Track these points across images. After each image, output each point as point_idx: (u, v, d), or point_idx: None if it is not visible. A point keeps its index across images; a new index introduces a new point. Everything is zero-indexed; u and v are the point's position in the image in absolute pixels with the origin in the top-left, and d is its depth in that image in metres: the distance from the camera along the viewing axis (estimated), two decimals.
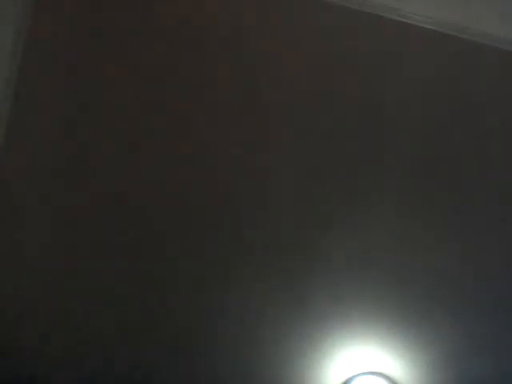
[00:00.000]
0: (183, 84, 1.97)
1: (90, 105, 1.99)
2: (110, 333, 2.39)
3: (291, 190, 2.14)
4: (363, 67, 1.95)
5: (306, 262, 2.27)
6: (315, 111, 2.02)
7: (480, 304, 2.36)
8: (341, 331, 2.40)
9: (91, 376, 2.47)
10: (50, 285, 2.28)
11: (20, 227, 2.17)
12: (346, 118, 2.03)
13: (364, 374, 2.50)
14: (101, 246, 2.22)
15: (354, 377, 2.50)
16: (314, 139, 2.06)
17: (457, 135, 2.06)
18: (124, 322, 2.38)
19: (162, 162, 2.09)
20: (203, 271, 2.28)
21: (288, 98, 2.00)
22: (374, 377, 2.50)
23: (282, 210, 2.17)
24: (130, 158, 2.07)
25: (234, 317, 2.38)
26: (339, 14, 1.87)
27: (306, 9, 1.87)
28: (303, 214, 2.18)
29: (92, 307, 2.34)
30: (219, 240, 2.23)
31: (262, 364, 2.47)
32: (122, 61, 1.93)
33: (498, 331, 2.42)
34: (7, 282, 2.26)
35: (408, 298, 2.34)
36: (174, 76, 1.96)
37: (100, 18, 1.88)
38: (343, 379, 2.51)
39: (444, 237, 2.24)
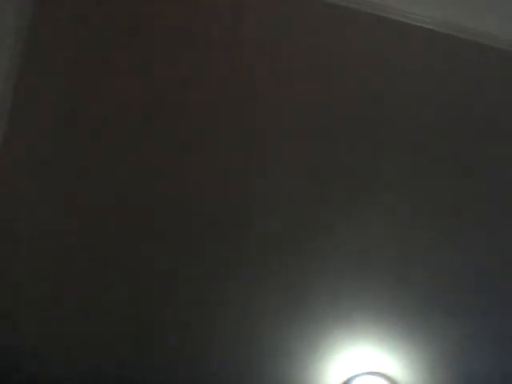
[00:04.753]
0: (183, 84, 1.97)
1: (89, 104, 1.99)
2: (110, 333, 2.40)
3: (291, 190, 2.14)
4: (363, 67, 1.95)
5: (306, 262, 2.27)
6: (315, 111, 2.02)
7: (480, 304, 2.36)
8: (341, 331, 2.40)
9: (91, 376, 2.47)
10: (50, 285, 2.28)
11: (20, 226, 2.17)
12: (346, 118, 2.03)
13: (364, 374, 2.50)
14: (101, 245, 2.22)
15: (353, 377, 2.50)
16: (314, 139, 2.06)
17: (457, 135, 2.06)
18: (124, 321, 2.38)
19: (162, 162, 2.09)
20: (203, 271, 2.28)
21: (288, 98, 2.00)
22: (373, 377, 2.50)
23: (281, 209, 2.17)
24: (130, 157, 2.07)
25: (234, 317, 2.38)
26: (339, 14, 1.87)
27: (306, 9, 1.87)
28: (303, 214, 2.18)
29: (92, 307, 2.34)
30: (219, 240, 2.23)
31: (261, 364, 2.47)
32: (122, 61, 1.94)
33: (497, 331, 2.42)
34: (7, 282, 2.26)
35: (408, 298, 2.34)
36: (174, 75, 1.96)
37: (100, 17, 1.88)
38: (343, 379, 2.51)
39: (444, 237, 2.24)
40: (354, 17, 1.87)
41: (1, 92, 1.72)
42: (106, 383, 2.47)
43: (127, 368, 2.47)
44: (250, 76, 1.97)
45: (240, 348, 2.43)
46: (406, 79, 1.98)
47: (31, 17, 1.82)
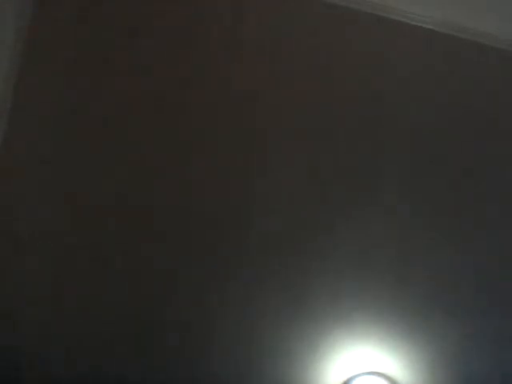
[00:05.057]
0: (183, 84, 1.97)
1: (89, 105, 1.99)
2: (110, 333, 2.40)
3: (291, 190, 2.14)
4: (363, 67, 1.95)
5: (306, 262, 2.27)
6: (315, 111, 2.02)
7: (480, 304, 2.36)
8: (341, 331, 2.40)
9: (91, 376, 2.47)
10: (50, 285, 2.28)
11: (20, 226, 2.17)
12: (346, 118, 2.03)
13: (364, 374, 2.50)
14: (101, 246, 2.22)
15: (354, 377, 2.50)
16: (314, 139, 2.06)
17: (457, 135, 2.06)
18: (124, 321, 2.38)
19: (162, 162, 2.09)
20: (203, 271, 2.28)
21: (288, 98, 2.00)
22: (373, 377, 2.50)
23: (281, 209, 2.17)
24: (129, 157, 2.07)
25: (234, 317, 2.38)
26: (339, 14, 1.87)
27: (306, 9, 1.87)
28: (303, 214, 2.18)
29: (92, 307, 2.34)
30: (219, 240, 2.23)
31: (261, 364, 2.47)
32: (122, 61, 1.94)
33: (497, 331, 2.42)
34: (7, 282, 2.26)
35: (408, 298, 2.34)
36: (174, 75, 1.96)
37: (100, 17, 1.88)
38: (343, 379, 2.51)
39: (444, 237, 2.24)
40: (354, 17, 1.87)
41: (1, 92, 1.72)
42: (105, 383, 2.47)
43: (127, 368, 2.47)
44: (250, 76, 1.97)
45: (240, 348, 2.43)
46: (405, 79, 1.98)
47: (31, 17, 1.82)
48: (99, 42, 1.90)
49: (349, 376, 2.51)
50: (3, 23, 1.67)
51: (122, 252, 2.24)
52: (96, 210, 2.15)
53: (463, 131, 2.06)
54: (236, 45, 1.92)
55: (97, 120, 2.02)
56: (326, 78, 1.97)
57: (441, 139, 2.06)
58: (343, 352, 2.45)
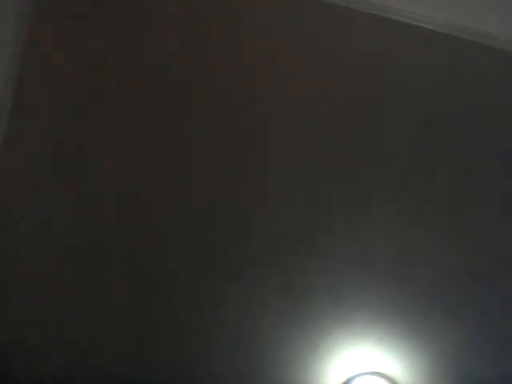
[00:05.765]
0: (184, 84, 1.97)
1: (89, 105, 1.99)
2: (110, 333, 2.40)
3: (291, 190, 2.14)
4: (363, 67, 1.95)
5: (306, 262, 2.27)
6: (315, 111, 2.02)
7: (480, 304, 2.36)
8: (341, 331, 2.40)
9: (91, 376, 2.47)
10: (50, 285, 2.28)
11: (20, 227, 2.17)
12: (345, 118, 2.03)
13: (364, 374, 2.50)
14: (101, 246, 2.22)
15: (354, 377, 2.50)
16: (314, 139, 2.06)
17: (457, 135, 2.06)
18: (124, 321, 2.38)
19: (162, 162, 2.09)
20: (203, 271, 2.28)
21: (288, 98, 2.00)
22: (373, 377, 2.50)
23: (282, 210, 2.17)
24: (130, 158, 2.07)
25: (233, 317, 2.38)
26: (339, 14, 1.87)
27: (306, 9, 1.87)
28: (303, 214, 2.18)
29: (92, 307, 2.34)
30: (219, 240, 2.23)
31: (261, 364, 2.47)
32: (122, 60, 1.93)
33: (498, 331, 2.42)
34: (7, 282, 2.26)
35: (408, 298, 2.34)
36: (174, 76, 1.96)
37: (100, 17, 1.88)
38: (343, 379, 2.51)
39: (444, 237, 2.24)
40: (353, 17, 1.87)
41: (1, 92, 1.72)
42: (105, 383, 2.47)
43: (127, 368, 2.47)
44: (250, 76, 1.97)
45: (240, 348, 2.43)
46: (406, 79, 1.98)
47: (31, 17, 1.82)
48: (99, 42, 1.90)
49: (349, 376, 2.51)
50: (3, 23, 1.67)
51: (122, 252, 2.24)
52: (96, 210, 2.15)
53: (463, 131, 2.05)
54: (236, 45, 1.92)
55: (97, 120, 2.02)
56: (326, 77, 1.97)
57: (441, 139, 2.06)
58: (343, 352, 2.45)
